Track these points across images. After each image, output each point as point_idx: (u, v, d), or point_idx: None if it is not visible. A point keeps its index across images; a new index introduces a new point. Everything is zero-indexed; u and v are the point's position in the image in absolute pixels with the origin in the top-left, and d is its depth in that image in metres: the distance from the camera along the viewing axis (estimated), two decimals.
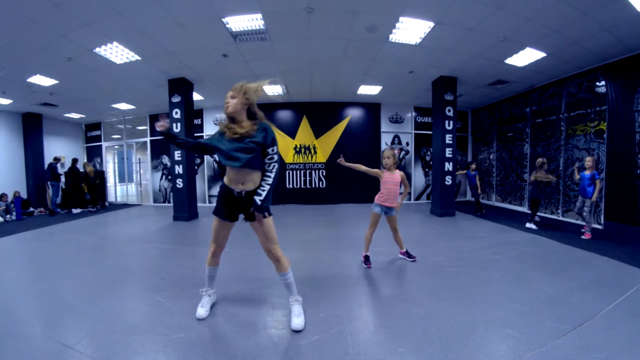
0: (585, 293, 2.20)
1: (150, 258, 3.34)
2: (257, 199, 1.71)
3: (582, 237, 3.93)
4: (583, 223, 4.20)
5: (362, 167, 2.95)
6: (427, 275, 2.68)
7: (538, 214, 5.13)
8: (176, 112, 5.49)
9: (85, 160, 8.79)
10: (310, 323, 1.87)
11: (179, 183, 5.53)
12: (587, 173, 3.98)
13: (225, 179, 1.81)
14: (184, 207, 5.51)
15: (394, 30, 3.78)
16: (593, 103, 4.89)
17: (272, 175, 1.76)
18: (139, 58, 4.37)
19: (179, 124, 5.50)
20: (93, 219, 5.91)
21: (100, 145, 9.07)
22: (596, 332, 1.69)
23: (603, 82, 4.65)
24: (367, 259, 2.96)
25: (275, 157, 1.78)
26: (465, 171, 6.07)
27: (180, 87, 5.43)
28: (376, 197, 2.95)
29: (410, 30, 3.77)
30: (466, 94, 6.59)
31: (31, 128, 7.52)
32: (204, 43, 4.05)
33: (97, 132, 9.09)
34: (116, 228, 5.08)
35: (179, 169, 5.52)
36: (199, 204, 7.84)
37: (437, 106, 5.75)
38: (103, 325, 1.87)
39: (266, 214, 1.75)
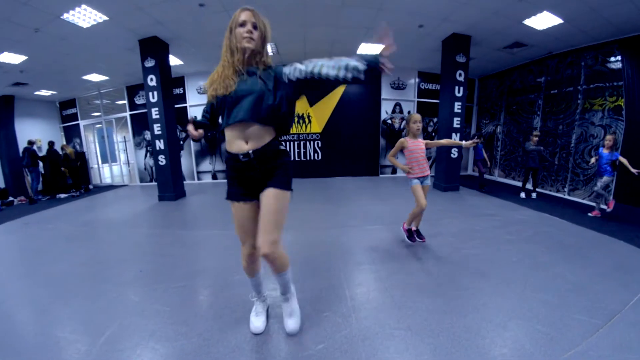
0: (609, 281, 2.02)
1: (130, 246, 3.00)
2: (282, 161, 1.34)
3: (590, 214, 3.80)
4: (592, 203, 4.06)
5: (392, 159, 2.65)
6: (441, 259, 2.39)
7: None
8: (151, 79, 4.81)
9: (64, 142, 8.13)
10: (310, 326, 1.57)
11: (161, 160, 5.02)
12: (606, 152, 3.68)
13: (227, 145, 1.32)
14: (169, 185, 5.08)
15: None
16: (610, 77, 4.52)
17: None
18: (107, 18, 3.85)
19: (155, 93, 4.85)
20: (74, 205, 5.46)
21: (78, 124, 8.30)
22: (628, 327, 1.53)
23: (619, 57, 4.37)
24: (416, 233, 2.77)
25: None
26: (478, 141, 5.48)
27: (153, 48, 4.70)
28: (410, 172, 2.57)
29: None
30: (477, 58, 5.94)
31: (4, 112, 6.86)
32: None
33: (73, 110, 8.27)
34: (97, 213, 4.67)
35: (160, 145, 4.98)
36: (187, 182, 7.43)
37: (446, 69, 5.15)
38: (69, 330, 1.58)
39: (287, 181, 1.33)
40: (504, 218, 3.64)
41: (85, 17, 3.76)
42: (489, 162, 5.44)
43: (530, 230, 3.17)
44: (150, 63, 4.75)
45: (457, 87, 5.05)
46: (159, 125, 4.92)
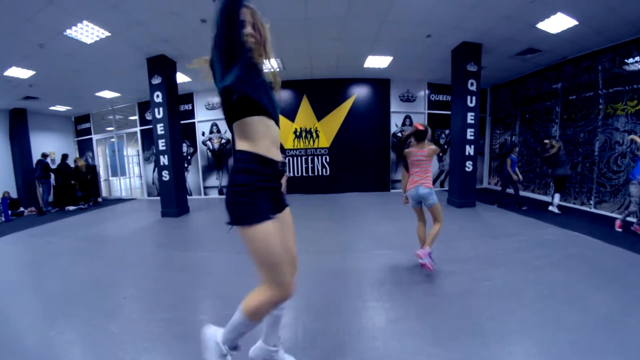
0: None
1: (122, 266, 2.85)
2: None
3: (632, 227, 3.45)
4: (619, 216, 3.73)
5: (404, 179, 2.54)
6: (459, 295, 2.07)
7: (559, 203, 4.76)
8: (157, 96, 4.84)
9: (77, 155, 8.37)
10: None
11: (165, 175, 4.97)
12: None
13: (260, 148, 1.03)
14: (172, 201, 4.99)
15: None
16: (629, 80, 4.22)
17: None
18: (109, 34, 3.88)
19: (160, 109, 4.86)
20: (80, 218, 5.48)
21: (91, 138, 8.54)
22: None
23: (637, 58, 4.11)
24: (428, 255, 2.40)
25: None
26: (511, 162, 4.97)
27: (161, 66, 4.75)
28: (407, 185, 2.49)
29: None
30: (488, 67, 5.72)
31: (17, 124, 7.17)
32: (177, 7, 3.35)
33: (87, 125, 8.55)
34: (99, 228, 4.61)
35: (164, 160, 4.94)
36: (194, 197, 7.40)
37: (457, 79, 4.94)
38: None
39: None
40: (529, 238, 3.29)
41: (87, 32, 3.80)
42: (515, 176, 4.99)
43: (560, 252, 2.82)
44: (157, 80, 4.79)
45: (469, 97, 4.81)
46: (163, 141, 4.90)
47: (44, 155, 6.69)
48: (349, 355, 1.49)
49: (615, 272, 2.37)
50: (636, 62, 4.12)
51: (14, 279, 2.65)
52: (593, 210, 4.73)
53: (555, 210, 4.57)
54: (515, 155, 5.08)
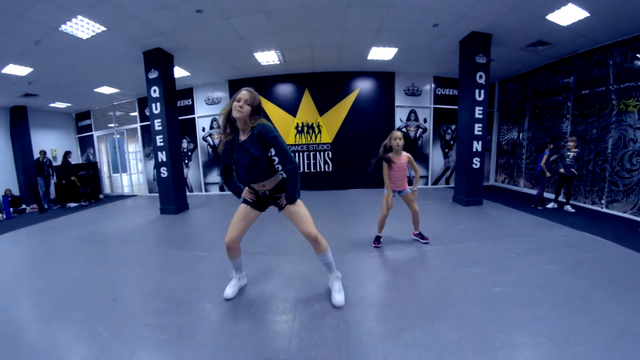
0: None
1: (115, 266, 2.76)
2: (284, 199, 1.82)
3: None
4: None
5: (386, 179, 2.79)
6: (468, 303, 1.92)
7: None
8: (154, 91, 4.71)
9: (79, 152, 8.38)
10: None
11: (164, 172, 4.87)
12: None
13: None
14: (171, 198, 4.89)
15: None
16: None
17: (288, 172, 1.71)
18: (105, 29, 3.81)
19: (158, 104, 4.74)
20: (80, 215, 5.43)
21: (92, 135, 8.49)
22: None
23: None
24: (377, 239, 3.00)
25: (277, 158, 1.67)
26: (555, 155, 4.81)
27: (157, 59, 4.61)
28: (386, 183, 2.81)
29: None
30: (497, 59, 5.48)
31: (17, 122, 7.17)
32: None
33: (88, 121, 8.50)
34: (97, 226, 4.55)
35: (162, 156, 4.84)
36: (195, 193, 7.32)
37: (465, 72, 4.72)
38: None
39: (297, 201, 1.83)
40: (540, 240, 3.12)
41: (83, 28, 3.72)
42: (547, 173, 4.80)
43: (574, 256, 2.65)
44: (153, 74, 4.66)
45: (477, 91, 4.59)
46: (161, 136, 4.79)
47: (41, 153, 6.64)
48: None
49: (630, 279, 2.20)
50: None
51: (8, 278, 2.59)
52: (604, 210, 4.54)
53: (570, 209, 4.50)
54: (549, 151, 4.87)
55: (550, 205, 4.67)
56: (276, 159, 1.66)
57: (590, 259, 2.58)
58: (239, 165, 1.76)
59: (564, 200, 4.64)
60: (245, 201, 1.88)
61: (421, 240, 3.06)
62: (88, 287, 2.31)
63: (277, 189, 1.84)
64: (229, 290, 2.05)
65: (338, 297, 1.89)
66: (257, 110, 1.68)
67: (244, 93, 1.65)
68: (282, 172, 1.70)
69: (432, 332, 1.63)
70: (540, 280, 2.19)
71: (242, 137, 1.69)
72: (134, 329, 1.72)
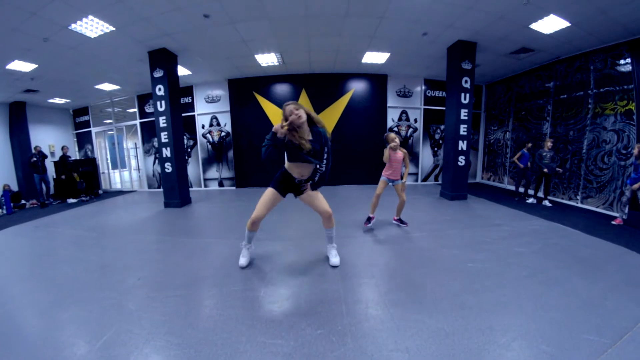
0: (621, 297, 1.94)
1: (132, 252, 3.01)
2: (314, 181, 2.27)
3: (613, 222, 3.80)
4: (616, 214, 4.08)
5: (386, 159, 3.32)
6: (445, 274, 2.29)
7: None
8: (159, 89, 4.93)
9: (77, 148, 8.46)
10: (302, 344, 1.51)
11: (168, 167, 5.10)
12: None
13: (289, 168, 2.28)
14: (175, 192, 5.13)
15: None
16: (620, 81, 4.40)
17: (325, 168, 2.22)
18: (113, 29, 3.94)
19: (163, 102, 4.96)
20: (83, 210, 5.58)
21: (90, 131, 8.57)
22: (637, 347, 1.46)
23: (628, 59, 4.26)
24: (368, 219, 3.50)
25: (326, 155, 2.20)
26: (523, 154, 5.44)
27: (162, 59, 4.82)
28: (383, 170, 3.41)
29: None
30: (483, 64, 5.88)
31: (16, 117, 7.22)
32: (182, 2, 3.44)
33: (86, 118, 8.56)
34: (103, 218, 4.75)
35: (166, 152, 5.06)
36: (194, 188, 7.52)
37: (452, 76, 5.09)
38: (67, 334, 1.59)
39: (318, 190, 2.35)
40: (514, 228, 3.51)
41: (92, 27, 3.84)
42: (520, 165, 5.36)
43: (541, 241, 3.04)
44: (158, 73, 4.87)
45: (463, 94, 4.97)
46: (165, 133, 5.01)
47: (36, 149, 6.66)
48: (345, 321, 1.68)
49: (594, 261, 2.52)
50: (627, 63, 4.27)
51: (24, 268, 2.72)
52: (580, 205, 4.97)
53: (548, 203, 4.91)
54: (527, 150, 5.44)
55: (529, 201, 5.10)
56: (326, 155, 2.18)
57: (556, 244, 2.95)
58: (294, 152, 2.15)
59: (542, 196, 5.07)
60: (273, 186, 2.29)
61: (401, 225, 3.58)
62: (111, 270, 2.55)
63: (307, 179, 2.27)
64: (243, 260, 2.47)
65: (334, 260, 2.45)
66: (309, 113, 2.14)
67: (290, 107, 2.08)
68: (323, 165, 2.19)
69: (414, 296, 1.98)
70: (509, 259, 2.56)
71: (305, 135, 2.14)
72: (163, 301, 1.98)
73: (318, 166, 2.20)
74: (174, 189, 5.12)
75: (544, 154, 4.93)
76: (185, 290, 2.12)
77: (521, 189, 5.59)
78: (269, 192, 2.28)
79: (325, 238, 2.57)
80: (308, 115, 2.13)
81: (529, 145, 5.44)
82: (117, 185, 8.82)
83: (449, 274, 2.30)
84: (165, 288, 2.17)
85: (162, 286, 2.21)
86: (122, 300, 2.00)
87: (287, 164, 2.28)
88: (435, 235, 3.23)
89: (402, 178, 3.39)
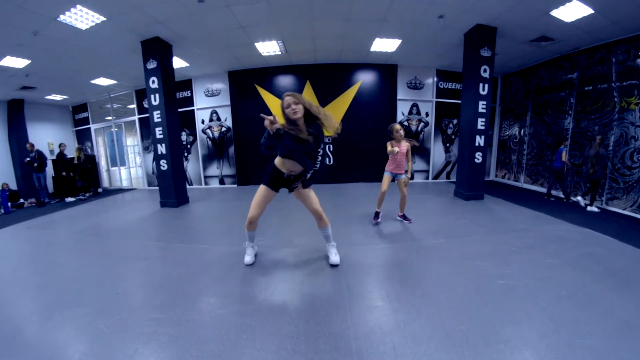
0: None
1: (117, 260, 2.74)
2: (306, 178, 2.16)
3: None
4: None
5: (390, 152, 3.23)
6: (473, 295, 1.94)
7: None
8: (153, 81, 4.62)
9: (76, 145, 8.25)
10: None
11: (163, 165, 4.81)
12: None
13: (278, 164, 2.18)
14: (171, 192, 4.85)
15: None
16: None
17: (318, 165, 2.10)
18: (104, 19, 3.74)
19: (157, 96, 4.65)
20: (79, 209, 5.37)
21: (89, 128, 8.37)
22: None
23: None
24: (376, 214, 3.52)
25: (321, 151, 2.09)
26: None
27: (156, 49, 4.51)
28: (386, 165, 3.41)
29: None
30: (501, 53, 5.41)
31: (14, 115, 7.08)
32: None
33: (85, 114, 8.37)
34: (97, 219, 4.51)
35: (161, 149, 4.78)
36: (194, 186, 7.27)
37: (469, 65, 4.66)
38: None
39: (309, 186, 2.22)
40: (540, 234, 3.13)
41: (82, 18, 3.64)
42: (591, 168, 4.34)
43: (574, 250, 2.68)
44: (152, 64, 4.56)
45: (482, 85, 4.55)
46: (160, 128, 4.72)
47: (30, 146, 6.35)
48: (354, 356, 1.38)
49: (629, 273, 2.23)
50: None
51: (8, 273, 2.56)
52: (604, 207, 4.56)
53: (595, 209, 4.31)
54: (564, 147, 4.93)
55: (590, 209, 4.31)
56: (321, 151, 2.07)
57: (590, 254, 2.59)
58: (286, 148, 2.03)
59: (588, 202, 4.49)
60: (265, 182, 2.20)
61: (404, 221, 3.54)
62: (92, 281, 2.30)
63: (298, 175, 2.18)
64: (248, 258, 2.46)
65: (334, 258, 2.37)
66: (310, 106, 1.99)
67: (287, 99, 1.95)
68: (317, 163, 2.08)
69: (439, 322, 1.64)
70: (542, 274, 2.21)
71: (303, 137, 1.99)
72: (136, 323, 1.70)
73: (315, 163, 2.11)
74: (170, 188, 4.84)
75: (604, 153, 4.29)
76: (162, 313, 1.82)
77: (553, 191, 5.17)
78: (262, 189, 2.22)
79: (322, 238, 2.48)
80: (308, 110, 1.99)
81: (566, 142, 4.90)
82: (119, 183, 8.64)
83: (477, 294, 1.94)
84: (141, 307, 1.89)
85: (138, 304, 1.93)
86: (93, 321, 1.74)
87: (277, 160, 2.19)
88: (454, 243, 2.88)
89: (406, 172, 3.32)
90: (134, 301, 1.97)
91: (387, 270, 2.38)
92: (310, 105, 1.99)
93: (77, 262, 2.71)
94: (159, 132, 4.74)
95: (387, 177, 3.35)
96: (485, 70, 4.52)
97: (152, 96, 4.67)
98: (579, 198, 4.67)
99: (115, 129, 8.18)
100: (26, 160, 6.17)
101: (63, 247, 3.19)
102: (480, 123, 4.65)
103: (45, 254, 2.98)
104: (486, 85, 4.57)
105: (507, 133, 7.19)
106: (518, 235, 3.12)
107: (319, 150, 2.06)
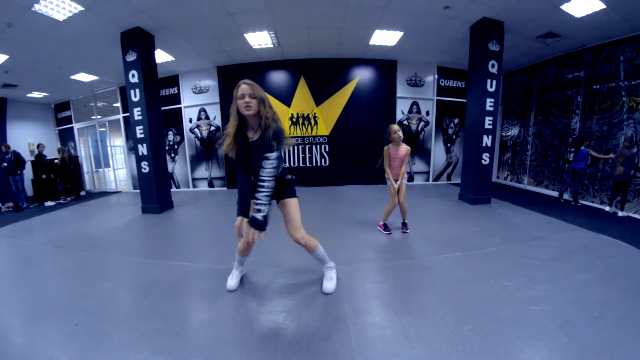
0: None
1: (81, 279, 2.35)
2: (254, 214, 1.58)
3: None
4: None
5: (387, 169, 3.07)
6: (508, 329, 1.58)
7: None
8: (132, 75, 4.22)
9: (59, 145, 7.75)
10: None
11: (144, 167, 4.40)
12: None
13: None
14: (153, 196, 4.44)
15: None
16: None
17: (264, 184, 1.56)
18: (82, 8, 3.46)
19: (137, 91, 4.24)
20: (56, 215, 4.91)
21: (72, 127, 7.86)
22: None
23: None
24: (385, 226, 3.25)
25: (271, 159, 1.56)
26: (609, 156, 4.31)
27: (136, 40, 4.10)
28: (387, 172, 3.11)
29: None
30: (506, 50, 5.12)
31: None
32: None
33: (68, 113, 7.88)
34: (72, 227, 4.08)
35: (142, 149, 4.36)
36: (182, 189, 6.84)
37: (476, 60, 4.36)
38: None
39: (262, 234, 1.61)
40: (560, 243, 2.84)
41: (58, 7, 3.37)
42: (619, 168, 3.94)
43: (601, 263, 2.39)
44: (131, 57, 4.15)
45: (489, 81, 4.25)
46: (141, 127, 4.30)
47: (5, 147, 5.84)
48: None
49: None
50: None
51: None
52: (614, 209, 4.33)
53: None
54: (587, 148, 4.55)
55: (621, 214, 4.03)
56: (271, 159, 1.57)
57: (618, 267, 2.33)
58: (245, 163, 1.65)
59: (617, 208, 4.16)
60: (239, 214, 1.69)
61: (407, 230, 3.26)
62: (52, 307, 1.91)
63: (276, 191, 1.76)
64: (232, 282, 2.07)
65: (327, 285, 2.00)
66: (264, 102, 1.58)
67: (243, 87, 1.56)
68: (262, 178, 1.59)
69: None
70: (575, 294, 1.90)
71: (253, 136, 1.62)
72: None
73: (252, 178, 1.65)
74: (152, 192, 4.43)
75: (631, 154, 3.94)
76: (122, 351, 1.46)
77: (566, 196, 4.90)
78: (238, 222, 1.70)
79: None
80: (262, 103, 1.57)
81: (587, 143, 4.54)
82: (102, 186, 8.14)
83: (513, 328, 1.58)
84: (99, 346, 1.51)
85: (97, 341, 1.55)
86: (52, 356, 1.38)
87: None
88: (471, 257, 2.54)
89: (408, 174, 3.10)
90: (93, 336, 1.59)
91: (400, 296, 1.98)
92: (265, 107, 1.57)
93: (35, 282, 2.32)
94: (139, 131, 4.32)
95: (391, 187, 3.06)
96: (493, 66, 4.23)
97: (132, 91, 4.26)
98: (607, 208, 4.28)
99: (101, 129, 7.70)
100: (3, 165, 5.69)
101: (25, 262, 2.78)
102: (488, 122, 4.36)
103: (9, 270, 2.60)
104: (494, 82, 4.28)
105: (510, 133, 6.94)
106: (537, 244, 2.82)
107: (265, 169, 1.54)
